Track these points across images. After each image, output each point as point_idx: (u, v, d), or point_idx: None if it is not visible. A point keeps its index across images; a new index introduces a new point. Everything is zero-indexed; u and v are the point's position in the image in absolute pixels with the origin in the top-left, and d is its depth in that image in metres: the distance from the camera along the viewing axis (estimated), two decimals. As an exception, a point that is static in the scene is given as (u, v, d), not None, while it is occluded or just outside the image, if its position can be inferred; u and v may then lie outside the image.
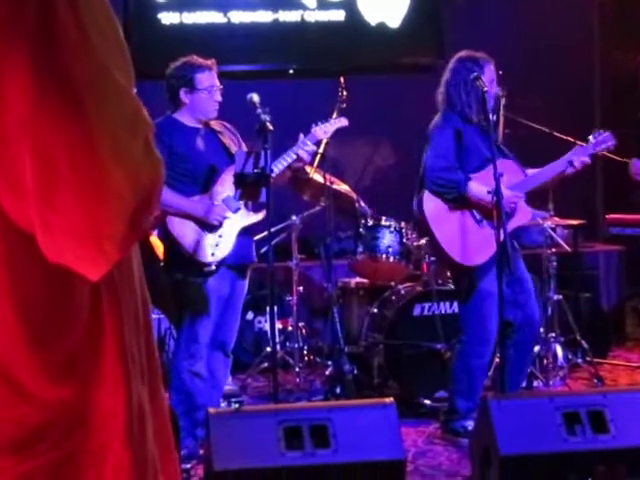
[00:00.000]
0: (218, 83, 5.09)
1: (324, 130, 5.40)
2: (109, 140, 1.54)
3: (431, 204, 5.39)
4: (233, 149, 5.13)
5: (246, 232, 5.13)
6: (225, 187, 5.06)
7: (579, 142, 6.00)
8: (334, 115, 5.78)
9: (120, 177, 1.54)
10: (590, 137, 5.42)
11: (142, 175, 1.58)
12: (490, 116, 5.08)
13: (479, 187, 5.22)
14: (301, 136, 5.25)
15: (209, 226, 4.98)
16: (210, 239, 4.99)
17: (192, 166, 4.93)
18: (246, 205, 5.11)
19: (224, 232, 5.02)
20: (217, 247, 4.99)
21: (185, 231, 4.96)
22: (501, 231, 4.90)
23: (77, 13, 1.55)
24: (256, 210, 5.14)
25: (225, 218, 5.01)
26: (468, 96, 5.31)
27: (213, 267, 4.99)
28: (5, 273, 1.60)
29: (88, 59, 1.54)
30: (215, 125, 5.18)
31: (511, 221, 5.26)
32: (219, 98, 5.08)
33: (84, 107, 1.52)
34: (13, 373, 1.62)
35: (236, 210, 5.07)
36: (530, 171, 5.46)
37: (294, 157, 5.16)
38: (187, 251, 4.94)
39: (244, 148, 5.22)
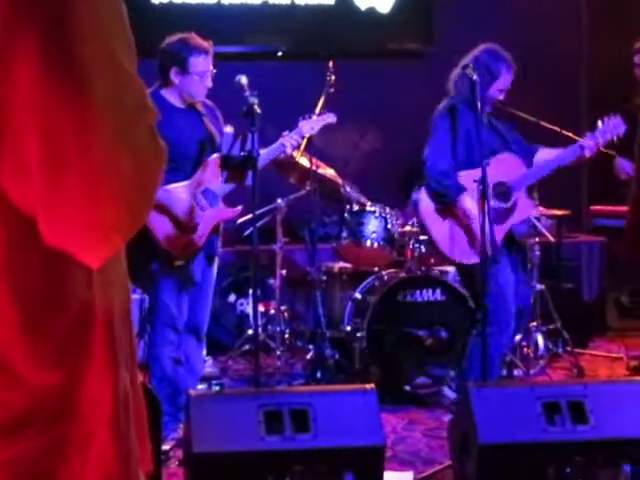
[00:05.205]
0: (212, 68, 4.94)
1: (311, 126, 5.35)
2: (116, 126, 1.52)
3: (426, 202, 5.43)
4: (215, 134, 5.05)
5: (216, 227, 5.08)
6: (207, 175, 4.96)
7: (564, 132, 6.01)
8: (320, 103, 5.77)
9: (126, 164, 1.53)
10: (599, 122, 5.38)
11: (147, 162, 1.57)
12: (478, 105, 5.06)
13: (468, 206, 5.24)
14: (286, 132, 5.20)
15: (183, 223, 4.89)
16: (183, 234, 4.89)
17: (177, 150, 4.57)
18: (224, 198, 5.05)
19: (199, 227, 4.94)
20: (190, 242, 4.92)
21: (160, 222, 4.81)
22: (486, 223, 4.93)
23: None
24: (235, 200, 5.08)
25: (200, 220, 4.92)
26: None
27: (182, 262, 4.92)
28: (3, 257, 1.59)
29: (97, 43, 1.53)
30: (199, 106, 5.05)
31: (512, 217, 5.28)
32: (210, 84, 4.95)
33: (93, 91, 1.51)
34: (5, 357, 1.61)
35: (214, 205, 4.99)
36: (542, 152, 5.44)
37: (280, 150, 5.13)
38: (160, 243, 4.83)
39: (226, 129, 5.17)
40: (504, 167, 5.14)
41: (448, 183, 5.30)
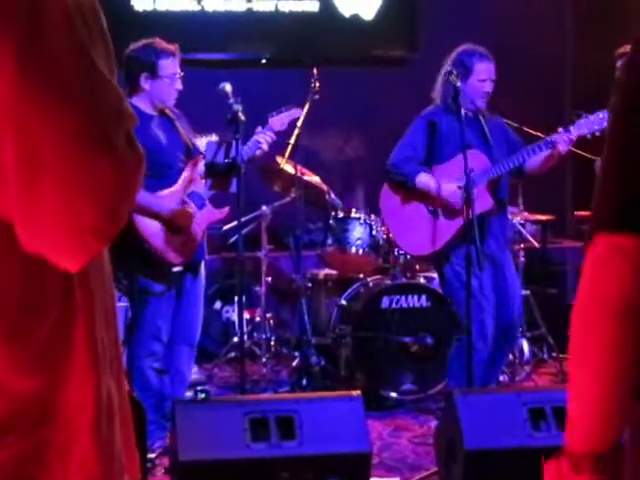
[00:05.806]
0: (180, 70, 4.90)
1: (280, 122, 5.31)
2: (94, 131, 1.52)
3: (386, 197, 5.64)
4: (187, 138, 5.02)
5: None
6: (196, 174, 4.96)
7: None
8: (305, 110, 5.78)
9: (104, 169, 1.53)
10: (582, 118, 5.34)
11: (125, 168, 1.57)
12: (462, 111, 5.07)
13: (427, 180, 5.39)
14: (259, 128, 5.18)
15: (175, 226, 4.86)
16: (178, 238, 4.86)
17: (153, 158, 4.46)
18: (210, 201, 5.05)
19: (191, 230, 4.92)
20: (185, 246, 4.89)
21: (154, 230, 4.78)
22: (470, 218, 5.01)
23: (64, 1, 1.54)
24: (221, 205, 5.08)
25: (192, 218, 4.91)
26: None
27: (181, 267, 4.91)
28: None
29: (73, 48, 1.53)
30: (168, 112, 5.00)
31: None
32: (180, 86, 4.90)
33: (69, 96, 1.51)
34: None
35: (202, 207, 4.97)
36: (535, 158, 5.44)
37: (256, 146, 5.11)
38: (156, 251, 4.78)
39: (210, 138, 5.16)
40: (469, 161, 5.12)
41: (403, 169, 5.45)
